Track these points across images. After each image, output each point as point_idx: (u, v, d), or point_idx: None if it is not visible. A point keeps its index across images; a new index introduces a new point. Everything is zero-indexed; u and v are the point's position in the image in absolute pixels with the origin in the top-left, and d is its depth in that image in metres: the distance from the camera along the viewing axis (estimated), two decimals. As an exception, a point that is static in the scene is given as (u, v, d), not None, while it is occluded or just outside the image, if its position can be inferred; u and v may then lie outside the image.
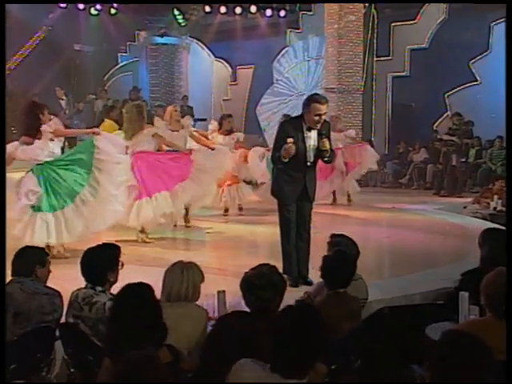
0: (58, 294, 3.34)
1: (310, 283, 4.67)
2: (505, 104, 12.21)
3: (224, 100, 15.80)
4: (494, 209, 8.26)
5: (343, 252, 3.09)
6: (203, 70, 16.01)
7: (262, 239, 6.81)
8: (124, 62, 16.46)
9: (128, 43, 16.54)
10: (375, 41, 13.71)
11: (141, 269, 4.80)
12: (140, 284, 2.35)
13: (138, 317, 2.22)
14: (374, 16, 13.54)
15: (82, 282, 3.25)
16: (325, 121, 4.63)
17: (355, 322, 2.97)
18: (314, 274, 4.72)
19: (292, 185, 4.65)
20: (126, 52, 16.69)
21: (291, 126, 4.64)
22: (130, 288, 2.32)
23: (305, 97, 13.43)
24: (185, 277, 2.89)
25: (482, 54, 12.84)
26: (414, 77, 13.38)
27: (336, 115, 10.31)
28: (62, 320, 3.26)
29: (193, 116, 14.38)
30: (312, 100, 4.54)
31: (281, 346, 1.94)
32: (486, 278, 2.58)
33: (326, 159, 4.65)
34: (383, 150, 13.74)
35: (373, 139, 13.65)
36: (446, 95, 13.22)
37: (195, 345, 2.75)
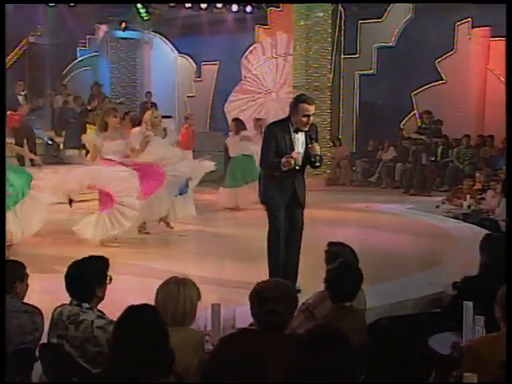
0: (38, 312, 3.11)
1: (297, 291, 4.58)
2: (471, 103, 12.52)
3: (188, 97, 15.55)
4: (468, 207, 8.35)
5: (349, 263, 2.98)
6: (166, 65, 15.70)
7: (243, 243, 6.66)
8: (83, 57, 15.96)
9: (87, 36, 16.03)
10: (342, 38, 13.74)
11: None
12: (144, 306, 2.16)
13: (144, 341, 2.03)
14: (341, 13, 13.56)
15: (61, 295, 3.05)
16: (312, 123, 4.54)
17: (361, 336, 2.86)
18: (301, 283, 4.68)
19: (281, 191, 4.54)
20: (85, 46, 16.17)
21: (278, 129, 4.51)
22: (132, 310, 2.13)
23: (273, 94, 13.41)
24: (181, 295, 2.62)
25: (448, 53, 13.04)
26: (381, 75, 13.47)
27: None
28: (43, 339, 3.03)
29: (157, 113, 14.16)
30: (299, 100, 4.44)
31: (306, 376, 1.80)
32: (502, 291, 2.51)
33: (317, 164, 4.52)
34: (351, 148, 13.82)
35: (340, 137, 13.73)
36: (412, 94, 13.38)
37: (193, 370, 2.58)
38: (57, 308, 3.03)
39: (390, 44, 13.52)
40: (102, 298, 3.01)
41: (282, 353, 2.40)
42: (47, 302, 3.38)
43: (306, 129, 4.41)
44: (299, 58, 12.45)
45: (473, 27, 12.70)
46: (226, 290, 4.59)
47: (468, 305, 3.05)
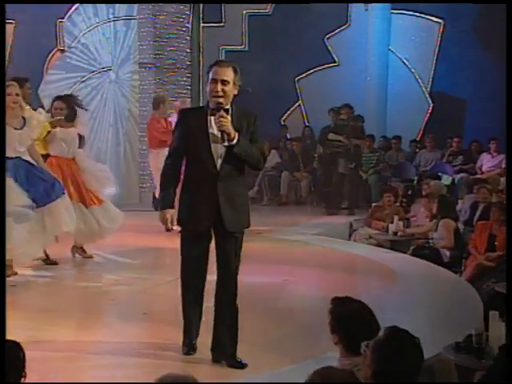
0: None
1: (242, 365, 4.37)
2: (370, 92, 13.10)
3: (-30, 71, 14.26)
4: (395, 233, 8.69)
5: (403, 331, 2.79)
6: None
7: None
8: None
9: None
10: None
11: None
12: None
13: None
14: (200, -33, 13.50)
15: None
16: (247, 113, 4.41)
17: None
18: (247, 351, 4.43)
19: (196, 205, 4.33)
20: None
21: (193, 115, 4.47)
22: None
23: (111, 74, 12.85)
24: None
25: (340, 27, 13.65)
26: (254, 52, 13.61)
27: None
28: None
29: None
30: (211, 65, 4.42)
31: None
32: None
33: (234, 148, 4.26)
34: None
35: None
36: (296, 79, 13.77)
37: None
38: None
39: (266, 11, 13.79)
40: None
41: None
42: None
43: (220, 102, 4.25)
44: (146, 23, 12.13)
45: (370, -5, 13.41)
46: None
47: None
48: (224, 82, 4.25)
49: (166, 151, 9.20)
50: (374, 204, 9.99)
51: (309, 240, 9.07)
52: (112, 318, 5.64)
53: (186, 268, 4.42)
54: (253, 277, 6.59)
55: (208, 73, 4.35)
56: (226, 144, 4.26)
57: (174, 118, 9.50)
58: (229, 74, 4.28)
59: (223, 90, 4.24)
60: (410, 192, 11.02)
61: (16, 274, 6.55)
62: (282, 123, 13.82)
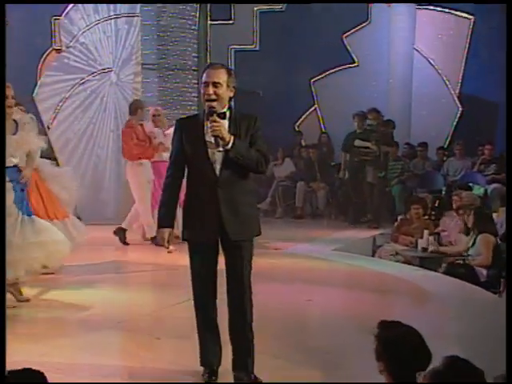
0: None
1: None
2: (393, 96, 13.03)
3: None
4: (424, 249, 8.57)
5: (464, 362, 2.66)
6: None
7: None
8: None
9: None
10: (209, -4, 13.63)
11: None
12: None
13: None
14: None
15: None
16: (247, 115, 4.48)
17: None
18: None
19: (199, 214, 4.42)
20: None
21: (189, 123, 4.59)
22: None
23: (112, 75, 12.81)
24: None
25: (360, 25, 13.58)
26: (266, 52, 13.63)
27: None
28: None
29: None
30: (205, 68, 4.58)
31: None
32: None
33: (232, 155, 4.30)
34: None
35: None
36: (311, 81, 13.70)
37: None
38: None
39: (278, 8, 13.74)
40: None
41: None
42: None
43: (213, 105, 4.34)
44: (149, 21, 12.08)
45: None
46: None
47: None
48: (216, 85, 4.36)
49: (142, 162, 9.41)
50: (400, 217, 9.88)
51: (329, 256, 9.02)
52: (122, 341, 5.63)
53: (196, 284, 4.51)
54: (274, 297, 6.61)
55: (201, 77, 4.49)
56: (220, 149, 4.36)
57: (148, 125, 9.57)
58: (221, 76, 4.39)
59: (215, 93, 4.35)
60: (437, 204, 10.90)
61: (28, 300, 6.49)
62: (297, 129, 13.80)
